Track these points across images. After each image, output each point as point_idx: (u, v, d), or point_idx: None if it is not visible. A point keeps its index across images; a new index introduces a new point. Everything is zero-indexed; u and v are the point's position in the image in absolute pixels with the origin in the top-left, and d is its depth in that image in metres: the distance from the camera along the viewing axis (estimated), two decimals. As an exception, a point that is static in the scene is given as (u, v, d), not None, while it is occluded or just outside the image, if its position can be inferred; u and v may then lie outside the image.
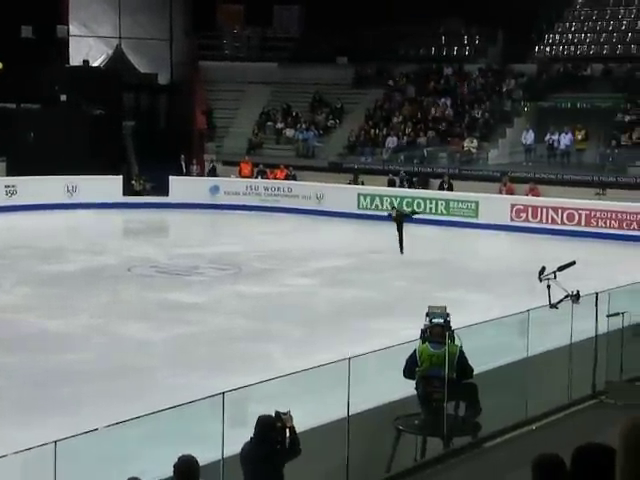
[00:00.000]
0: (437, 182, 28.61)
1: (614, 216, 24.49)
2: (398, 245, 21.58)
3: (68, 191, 29.00)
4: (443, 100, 32.18)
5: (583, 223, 24.81)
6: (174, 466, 5.83)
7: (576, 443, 3.69)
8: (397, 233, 21.82)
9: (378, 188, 28.48)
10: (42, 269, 19.47)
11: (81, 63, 33.43)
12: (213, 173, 31.56)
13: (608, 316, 10.50)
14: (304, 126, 33.38)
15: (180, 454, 5.91)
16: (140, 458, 7.59)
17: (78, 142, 29.68)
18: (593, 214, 24.77)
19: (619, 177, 26.99)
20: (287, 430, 7.28)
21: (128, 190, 29.97)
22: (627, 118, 28.82)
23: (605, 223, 24.59)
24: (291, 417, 7.32)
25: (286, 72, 35.61)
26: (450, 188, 27.98)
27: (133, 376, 12.25)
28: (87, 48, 34.57)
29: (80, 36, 34.69)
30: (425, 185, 28.95)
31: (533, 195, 26.82)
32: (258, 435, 7.12)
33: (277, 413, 7.26)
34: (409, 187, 28.51)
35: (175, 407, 6.98)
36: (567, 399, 10.02)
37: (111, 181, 29.45)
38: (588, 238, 23.67)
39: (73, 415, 10.08)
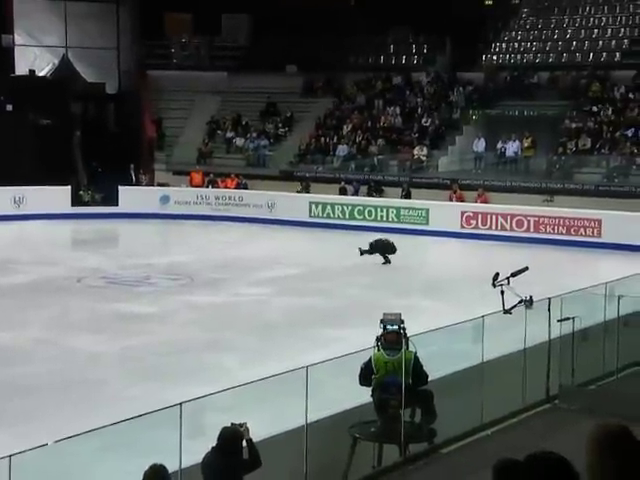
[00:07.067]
0: (390, 190, 28.77)
1: (562, 222, 24.78)
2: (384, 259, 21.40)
3: (15, 202, 28.56)
4: (392, 109, 32.35)
5: (532, 229, 25.06)
6: (144, 474, 5.75)
7: (532, 448, 3.69)
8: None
9: (329, 196, 28.52)
10: (-11, 281, 19.14)
11: (27, 73, 32.97)
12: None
13: (559, 321, 10.62)
14: (254, 135, 33.32)
15: (134, 466, 5.83)
16: (97, 471, 7.47)
17: (25, 152, 29.23)
18: (542, 220, 25.04)
19: (566, 183, 27.35)
20: (244, 442, 7.19)
21: (76, 201, 29.62)
22: (573, 125, 29.22)
23: (553, 229, 24.87)
24: (247, 429, 7.23)
25: (235, 81, 35.54)
26: (408, 196, 28.16)
27: (84, 388, 12.08)
28: (33, 57, 34.10)
29: (26, 45, 34.22)
30: (380, 193, 29.10)
31: (481, 201, 27.07)
32: (221, 446, 7.03)
33: (233, 425, 7.17)
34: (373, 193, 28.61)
35: (132, 419, 6.88)
36: (522, 404, 10.09)
37: (59, 192, 29.06)
38: (537, 244, 23.90)
39: (23, 429, 9.91)
